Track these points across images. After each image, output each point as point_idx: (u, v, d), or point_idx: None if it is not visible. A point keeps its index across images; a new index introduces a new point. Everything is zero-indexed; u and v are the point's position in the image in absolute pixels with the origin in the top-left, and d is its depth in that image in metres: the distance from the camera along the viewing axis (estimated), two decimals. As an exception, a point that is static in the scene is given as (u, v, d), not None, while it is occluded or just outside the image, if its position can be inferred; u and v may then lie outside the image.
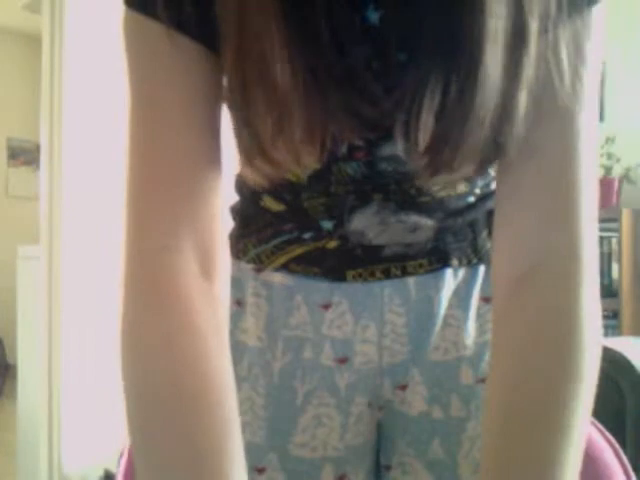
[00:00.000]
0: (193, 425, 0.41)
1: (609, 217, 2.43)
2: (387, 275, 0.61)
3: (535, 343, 0.45)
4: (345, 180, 0.56)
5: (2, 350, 4.28)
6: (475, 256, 0.62)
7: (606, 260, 2.57)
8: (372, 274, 0.61)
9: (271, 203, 0.62)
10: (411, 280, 0.61)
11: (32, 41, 4.02)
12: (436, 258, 0.61)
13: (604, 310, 0.47)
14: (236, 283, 0.65)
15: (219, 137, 0.50)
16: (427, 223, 0.59)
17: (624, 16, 2.88)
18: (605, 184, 2.64)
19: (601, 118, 2.88)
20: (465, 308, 0.62)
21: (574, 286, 0.46)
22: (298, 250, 0.62)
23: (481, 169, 0.48)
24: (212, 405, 0.41)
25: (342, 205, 0.58)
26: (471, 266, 0.62)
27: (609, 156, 2.73)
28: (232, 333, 0.65)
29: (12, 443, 2.59)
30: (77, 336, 2.15)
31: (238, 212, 0.67)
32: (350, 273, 0.61)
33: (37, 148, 2.83)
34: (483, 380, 0.61)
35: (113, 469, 2.13)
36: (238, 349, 0.64)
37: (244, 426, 0.61)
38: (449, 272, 0.62)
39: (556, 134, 0.47)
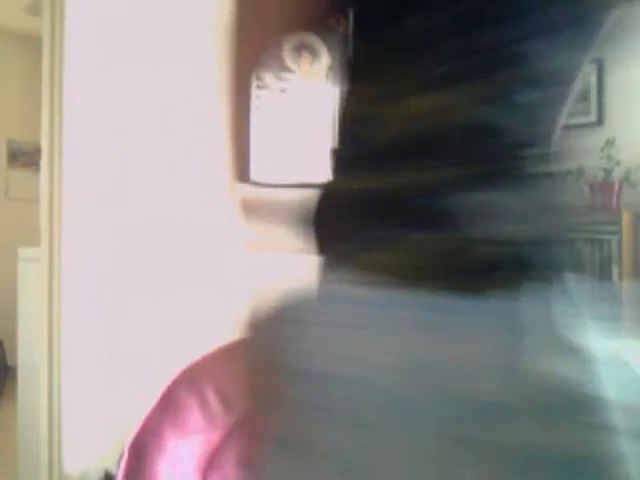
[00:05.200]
0: None
1: (609, 220, 2.43)
2: None
3: None
4: None
5: (2, 352, 4.27)
6: None
7: (606, 263, 2.57)
8: None
9: None
10: None
11: (33, 43, 4.02)
12: None
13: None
14: None
15: None
16: None
17: (625, 16, 2.88)
18: (605, 187, 2.64)
19: (601, 121, 2.89)
20: None
21: None
22: None
23: None
24: None
25: None
26: None
27: (609, 159, 2.73)
28: None
29: (12, 444, 2.58)
30: (77, 337, 2.15)
31: None
32: None
33: (37, 150, 2.82)
34: None
35: (113, 469, 2.13)
36: None
37: None
38: None
39: None
